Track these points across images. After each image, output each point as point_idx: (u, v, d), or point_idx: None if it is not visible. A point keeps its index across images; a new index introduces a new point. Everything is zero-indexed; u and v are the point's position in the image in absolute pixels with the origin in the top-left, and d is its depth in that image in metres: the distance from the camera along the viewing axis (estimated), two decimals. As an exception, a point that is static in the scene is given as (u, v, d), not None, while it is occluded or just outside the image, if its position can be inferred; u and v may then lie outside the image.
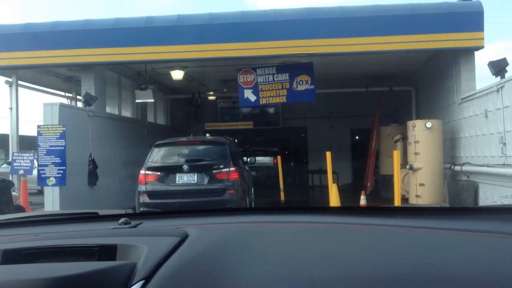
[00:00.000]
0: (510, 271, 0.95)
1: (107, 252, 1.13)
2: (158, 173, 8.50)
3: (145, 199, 8.36)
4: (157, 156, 8.81)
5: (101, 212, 1.79)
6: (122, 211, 1.76)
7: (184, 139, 9.70)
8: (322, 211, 1.80)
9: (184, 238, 1.19)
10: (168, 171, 8.55)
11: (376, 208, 2.28)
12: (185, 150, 9.13)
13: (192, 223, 1.49)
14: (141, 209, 8.30)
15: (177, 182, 8.48)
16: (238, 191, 8.55)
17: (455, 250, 1.10)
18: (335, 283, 0.94)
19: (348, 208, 2.41)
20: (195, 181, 8.47)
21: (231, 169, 8.56)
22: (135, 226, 1.44)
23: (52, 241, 1.24)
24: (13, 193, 7.21)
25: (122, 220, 1.47)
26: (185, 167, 8.48)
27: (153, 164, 8.61)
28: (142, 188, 8.40)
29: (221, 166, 8.55)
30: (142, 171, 8.51)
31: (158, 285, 0.95)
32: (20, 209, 6.98)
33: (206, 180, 8.47)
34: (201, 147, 9.38)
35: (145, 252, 1.07)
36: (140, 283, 0.95)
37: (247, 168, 11.07)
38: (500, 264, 1.00)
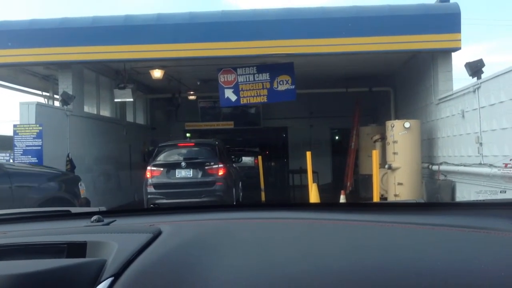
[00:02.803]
0: (483, 265, 0.96)
1: (77, 249, 1.10)
2: (161, 169, 10.31)
3: (151, 189, 10.15)
4: (160, 155, 10.61)
5: (73, 210, 1.75)
6: (95, 209, 1.73)
7: (182, 141, 11.74)
8: (298, 207, 1.80)
9: (156, 235, 1.17)
10: (169, 167, 10.33)
11: (352, 204, 2.28)
12: (183, 150, 10.89)
13: (167, 221, 1.46)
14: (148, 197, 10.11)
15: (176, 176, 10.24)
16: (225, 183, 10.32)
17: (429, 244, 1.11)
18: (311, 279, 0.94)
19: (325, 204, 2.41)
20: (191, 175, 10.23)
21: (220, 165, 10.35)
22: (107, 224, 1.41)
23: (20, 238, 1.21)
24: (80, 187, 7.24)
25: (94, 217, 1.44)
26: (183, 164, 10.27)
27: (157, 162, 10.44)
28: (149, 181, 10.21)
29: (212, 163, 10.35)
30: (148, 167, 10.37)
31: (127, 282, 0.92)
32: (87, 201, 7.12)
33: (199, 174, 10.25)
34: (196, 148, 11.07)
35: (115, 249, 1.05)
36: (109, 280, 0.93)
37: (234, 165, 12.95)
38: (474, 257, 1.01)
